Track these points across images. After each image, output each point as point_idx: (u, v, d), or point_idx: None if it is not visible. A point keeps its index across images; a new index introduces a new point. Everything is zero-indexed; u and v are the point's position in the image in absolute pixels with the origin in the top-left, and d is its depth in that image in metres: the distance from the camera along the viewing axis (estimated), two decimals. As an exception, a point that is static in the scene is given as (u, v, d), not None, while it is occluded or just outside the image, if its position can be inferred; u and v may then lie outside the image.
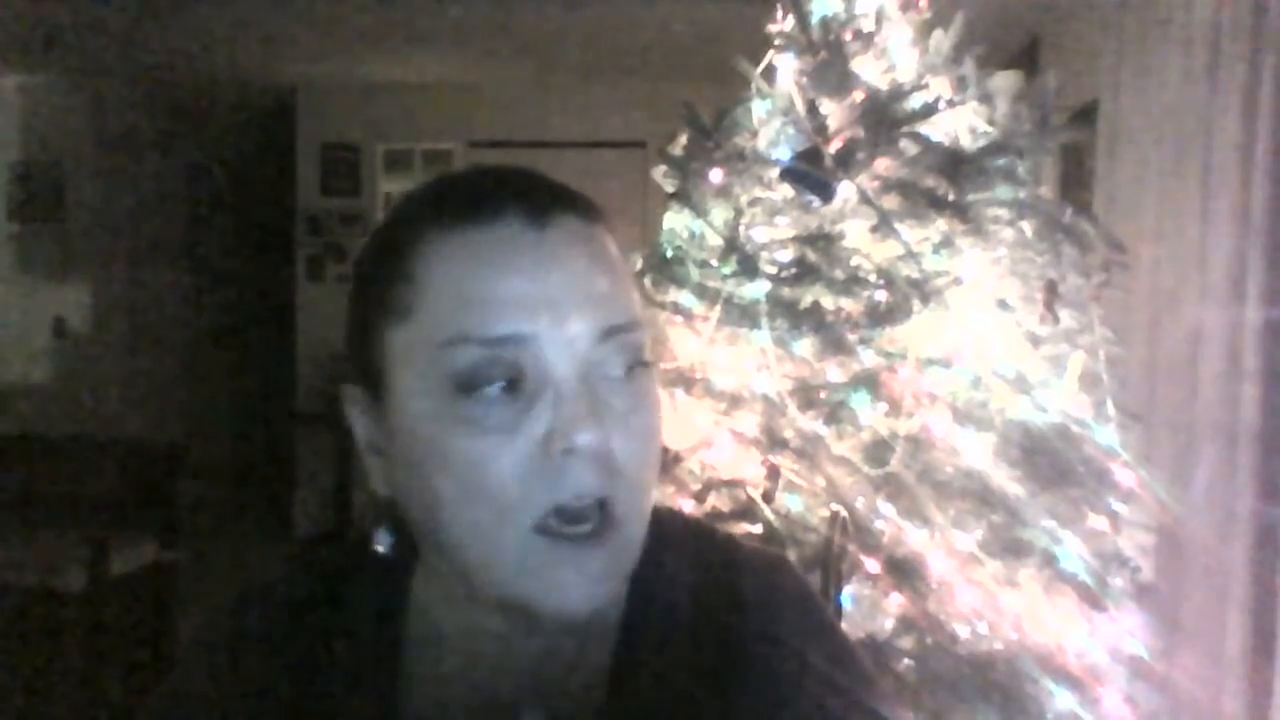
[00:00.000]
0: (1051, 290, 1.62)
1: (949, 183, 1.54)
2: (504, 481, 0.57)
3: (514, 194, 0.61)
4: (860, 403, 1.50)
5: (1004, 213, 1.59)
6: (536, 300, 0.58)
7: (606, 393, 0.60)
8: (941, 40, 1.70)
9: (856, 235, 1.59)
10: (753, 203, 1.64)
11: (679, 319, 1.64)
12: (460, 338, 0.58)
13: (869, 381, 1.51)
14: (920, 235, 1.56)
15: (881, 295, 1.54)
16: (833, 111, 1.62)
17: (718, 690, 0.65)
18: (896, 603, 1.48)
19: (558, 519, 0.58)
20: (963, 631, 1.47)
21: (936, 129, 1.61)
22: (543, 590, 0.59)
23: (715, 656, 0.66)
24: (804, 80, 1.66)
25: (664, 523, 0.73)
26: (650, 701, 0.65)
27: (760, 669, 0.65)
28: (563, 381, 0.58)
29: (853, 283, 1.54)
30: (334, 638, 0.69)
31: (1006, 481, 1.49)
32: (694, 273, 1.64)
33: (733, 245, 1.60)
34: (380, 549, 0.70)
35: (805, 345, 1.55)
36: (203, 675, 0.70)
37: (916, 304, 1.51)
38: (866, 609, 1.48)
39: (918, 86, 1.62)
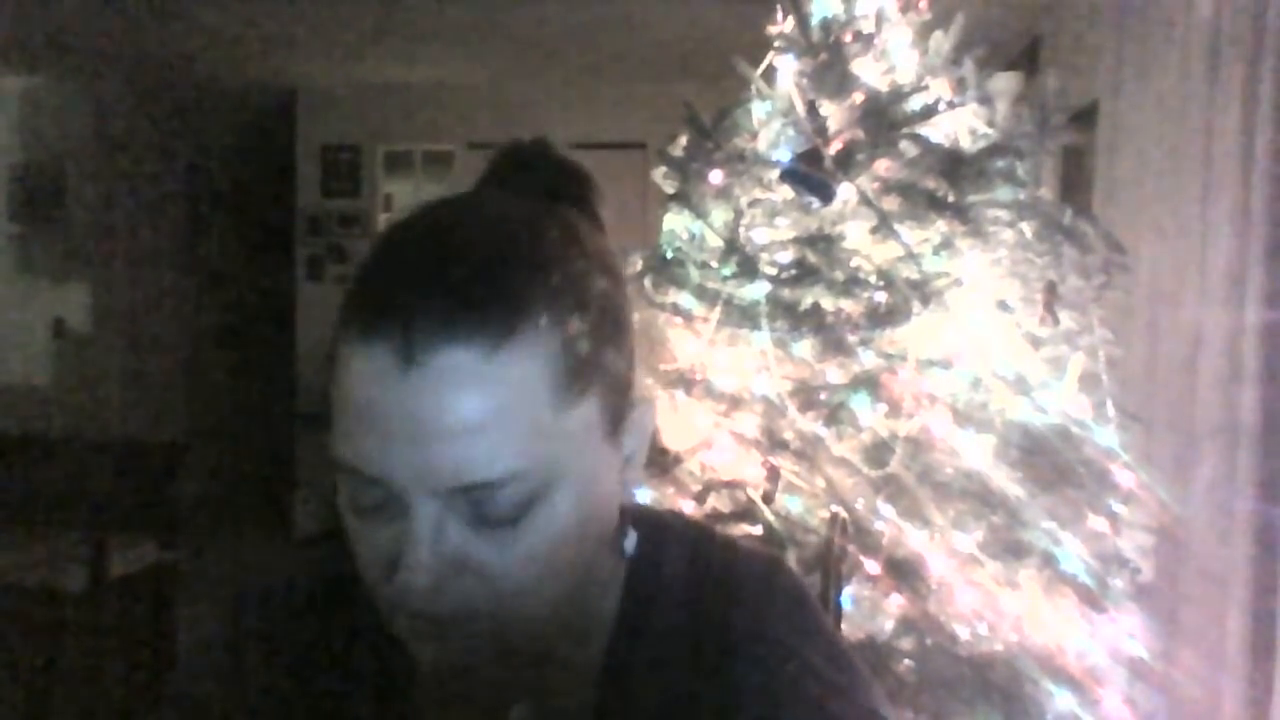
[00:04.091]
0: (1051, 291, 1.62)
1: (949, 184, 1.54)
2: (371, 572, 0.60)
3: (402, 312, 0.55)
4: (860, 404, 1.50)
5: (1004, 214, 1.59)
6: (391, 443, 0.55)
7: (482, 530, 0.57)
8: (941, 42, 1.70)
9: (856, 237, 1.59)
10: (753, 204, 1.64)
11: (679, 320, 1.64)
12: (339, 459, 0.58)
13: (869, 383, 1.51)
14: (920, 237, 1.56)
15: (881, 296, 1.54)
16: (832, 113, 1.62)
17: (710, 690, 0.65)
18: (896, 604, 1.48)
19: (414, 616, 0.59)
20: (963, 632, 1.47)
21: (936, 130, 1.61)
22: (415, 652, 0.61)
23: (708, 657, 0.66)
24: (804, 81, 1.66)
25: (661, 524, 0.74)
26: (641, 700, 0.65)
27: (753, 670, 0.65)
28: (417, 521, 0.56)
29: (853, 284, 1.54)
30: (343, 634, 0.71)
31: (1006, 482, 1.49)
32: (694, 274, 1.64)
33: (733, 246, 1.60)
34: None
35: (805, 346, 1.55)
36: (221, 669, 0.72)
37: (916, 305, 1.51)
38: (866, 610, 1.48)
39: (918, 88, 1.62)
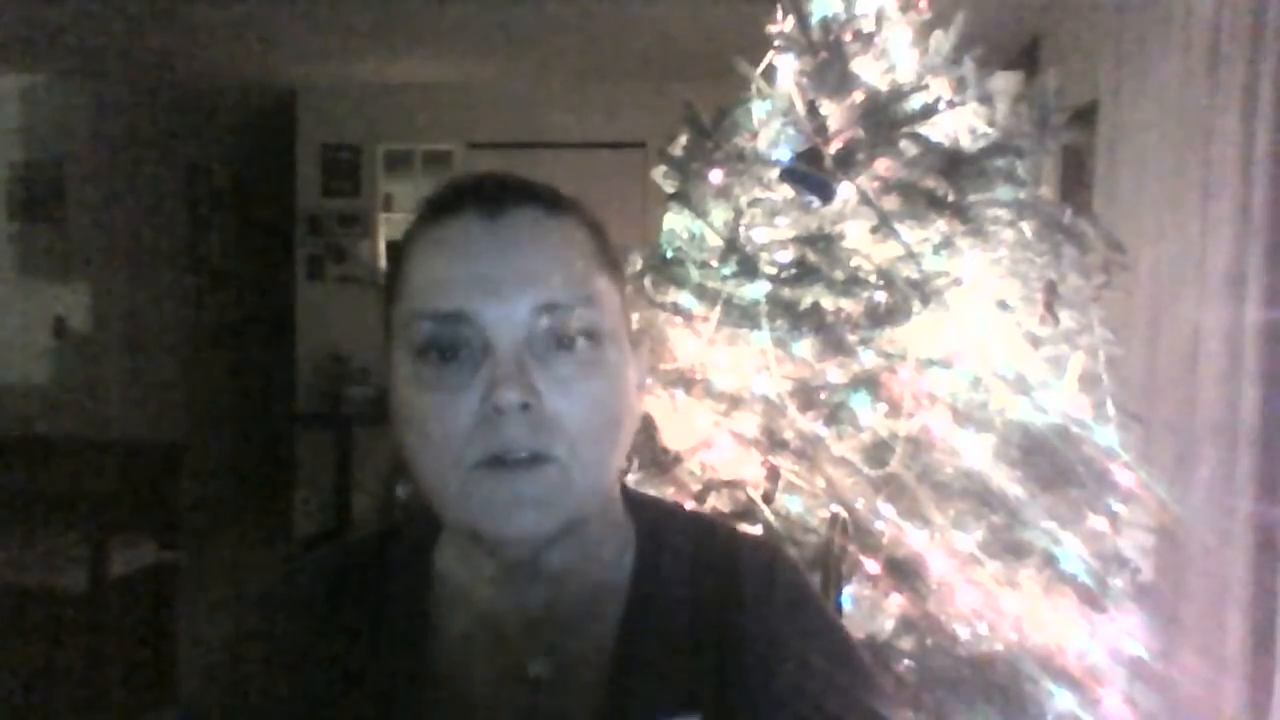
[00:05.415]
0: (1051, 291, 1.61)
1: (949, 183, 1.54)
2: (449, 433, 0.67)
3: (479, 191, 0.71)
4: (860, 403, 1.50)
5: (1004, 213, 1.59)
6: (479, 281, 0.68)
7: (550, 360, 0.68)
8: (941, 41, 1.70)
9: (856, 236, 1.58)
10: (753, 203, 1.64)
11: (679, 320, 1.64)
12: (418, 313, 0.69)
13: (869, 382, 1.51)
14: (920, 236, 1.56)
15: (881, 296, 1.54)
16: (833, 112, 1.62)
17: (713, 656, 0.72)
18: (896, 603, 1.48)
19: (493, 464, 0.67)
20: (963, 632, 1.47)
21: (936, 130, 1.61)
22: (485, 515, 0.67)
23: (712, 626, 0.73)
24: (804, 81, 1.66)
25: (667, 511, 0.82)
26: (652, 659, 0.71)
27: (753, 643, 0.71)
28: (501, 350, 0.67)
29: (853, 283, 1.54)
30: (369, 608, 0.76)
31: (1006, 482, 1.49)
32: (694, 273, 1.64)
33: (733, 246, 1.60)
34: (401, 496, 0.77)
35: (805, 346, 1.55)
36: (225, 670, 0.77)
37: (916, 305, 1.51)
38: (866, 610, 1.48)
39: (918, 87, 1.62)
